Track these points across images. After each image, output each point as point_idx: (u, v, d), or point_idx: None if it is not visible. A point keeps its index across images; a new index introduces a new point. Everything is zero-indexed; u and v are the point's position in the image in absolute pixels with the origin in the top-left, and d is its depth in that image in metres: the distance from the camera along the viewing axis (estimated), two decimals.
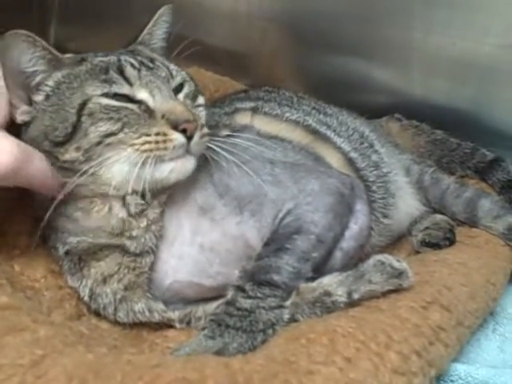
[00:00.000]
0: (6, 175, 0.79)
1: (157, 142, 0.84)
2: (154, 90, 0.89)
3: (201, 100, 0.99)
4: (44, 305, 0.88)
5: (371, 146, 1.23)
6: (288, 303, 0.85)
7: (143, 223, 0.90)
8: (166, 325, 0.94)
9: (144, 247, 0.90)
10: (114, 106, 0.86)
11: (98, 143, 0.84)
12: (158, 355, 0.86)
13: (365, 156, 1.18)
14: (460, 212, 1.23)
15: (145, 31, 1.05)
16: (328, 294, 0.84)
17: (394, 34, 1.51)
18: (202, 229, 0.91)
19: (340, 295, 0.84)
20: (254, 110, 1.16)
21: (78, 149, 0.85)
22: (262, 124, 1.13)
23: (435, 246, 1.17)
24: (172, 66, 0.97)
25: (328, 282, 0.86)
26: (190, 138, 0.86)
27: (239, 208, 0.92)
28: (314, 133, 1.16)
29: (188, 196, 0.92)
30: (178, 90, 0.95)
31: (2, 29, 0.86)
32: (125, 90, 0.88)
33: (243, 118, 1.14)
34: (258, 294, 0.84)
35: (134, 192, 0.87)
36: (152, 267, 0.91)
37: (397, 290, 0.87)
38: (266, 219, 0.93)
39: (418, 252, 1.20)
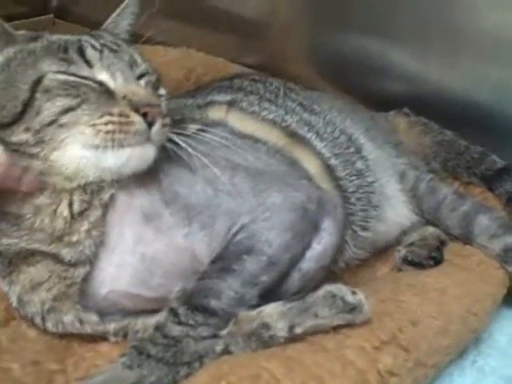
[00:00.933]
0: None
1: (120, 124, 0.79)
2: (115, 72, 0.85)
3: (162, 91, 0.93)
4: None
5: (358, 151, 1.12)
6: (223, 333, 0.77)
7: (84, 226, 0.83)
8: (101, 337, 0.87)
9: (81, 256, 0.83)
10: (73, 81, 0.81)
11: (51, 122, 0.78)
12: None
13: (348, 163, 1.08)
14: (455, 226, 1.13)
15: (109, 20, 0.99)
16: (267, 326, 0.76)
17: (413, 12, 1.40)
18: (146, 238, 0.84)
19: (280, 329, 0.76)
20: (230, 105, 1.07)
21: (27, 130, 0.79)
22: (237, 121, 1.04)
23: (418, 265, 1.07)
24: (136, 55, 0.91)
25: (269, 312, 0.77)
26: (151, 125, 0.81)
27: (188, 219, 0.84)
28: (293, 135, 1.06)
29: (132, 201, 0.84)
30: (140, 77, 0.89)
31: None
32: (84, 71, 0.83)
33: (217, 113, 1.05)
34: (190, 321, 0.76)
35: (83, 185, 0.82)
36: (86, 278, 0.84)
37: (351, 325, 0.79)
38: (218, 233, 0.84)
39: (399, 269, 1.11)
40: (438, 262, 1.07)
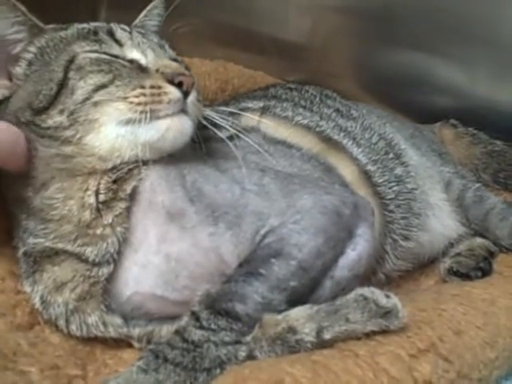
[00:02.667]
0: None
1: (152, 95, 0.79)
2: (146, 49, 0.87)
3: None
4: None
5: (398, 156, 1.07)
6: (248, 339, 0.72)
7: (109, 219, 0.81)
8: (125, 343, 0.84)
9: (105, 255, 0.80)
10: (104, 59, 0.82)
11: (85, 100, 0.79)
12: None
13: (386, 169, 1.03)
14: (504, 237, 1.07)
15: (136, 21, 1.00)
16: (293, 330, 0.70)
17: (458, 26, 1.36)
18: (170, 237, 0.81)
19: (307, 333, 0.70)
20: (263, 111, 1.04)
21: (61, 112, 0.80)
22: (270, 127, 1.01)
23: (464, 276, 1.01)
24: (164, 42, 0.94)
25: (295, 315, 0.71)
26: (186, 95, 0.82)
27: (213, 218, 0.81)
28: (327, 140, 1.03)
29: (155, 198, 0.82)
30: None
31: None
32: (115, 50, 0.85)
33: (250, 120, 1.02)
34: (212, 326, 0.72)
35: (112, 170, 0.81)
36: (110, 278, 0.81)
37: (385, 332, 0.73)
38: (245, 234, 0.80)
39: (445, 281, 1.04)
40: (486, 273, 1.01)
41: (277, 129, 1.01)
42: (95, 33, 0.86)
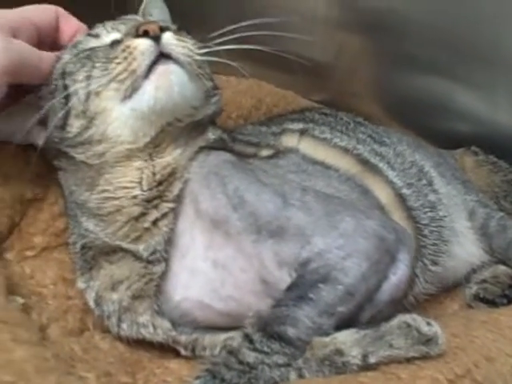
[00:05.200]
0: None
1: (125, 58, 0.80)
2: (119, 26, 0.88)
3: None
4: (44, 316, 0.84)
5: (430, 183, 1.11)
6: (299, 362, 0.75)
7: (153, 216, 0.85)
8: (171, 353, 0.88)
9: (154, 252, 0.85)
10: (83, 55, 0.85)
11: (88, 95, 0.82)
12: None
13: (420, 194, 1.07)
14: None
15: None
16: (340, 352, 0.74)
17: (480, 53, 1.37)
18: (215, 243, 0.84)
19: (353, 356, 0.73)
20: (302, 132, 1.07)
21: (77, 116, 0.83)
22: (309, 148, 1.04)
23: (490, 302, 1.04)
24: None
25: (343, 339, 0.75)
26: (157, 39, 0.79)
27: (256, 226, 0.83)
28: (364, 163, 1.06)
29: (199, 206, 0.85)
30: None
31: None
32: (91, 43, 0.88)
33: (290, 140, 1.05)
34: (265, 349, 0.75)
35: (147, 145, 0.84)
36: (162, 277, 0.85)
37: (424, 356, 0.77)
38: (287, 245, 0.83)
39: (470, 306, 1.08)
40: (510, 300, 1.04)
41: (316, 150, 1.04)
42: (75, 42, 0.90)
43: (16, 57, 0.81)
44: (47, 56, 0.89)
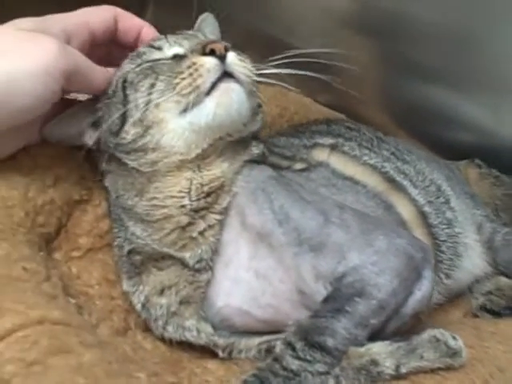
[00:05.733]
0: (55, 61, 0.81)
1: (191, 74, 0.84)
2: (182, 41, 0.92)
3: None
4: (93, 316, 0.88)
5: (447, 201, 1.18)
6: (337, 371, 0.81)
7: (201, 227, 0.90)
8: (207, 353, 0.93)
9: (201, 261, 0.90)
10: (146, 66, 0.89)
11: (147, 104, 0.86)
12: None
13: (439, 212, 1.13)
14: None
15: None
16: (375, 363, 0.81)
17: (485, 65, 1.41)
18: (259, 254, 0.90)
19: (387, 367, 0.81)
20: (333, 148, 1.13)
21: (134, 124, 0.87)
22: (339, 163, 1.10)
23: (496, 313, 1.12)
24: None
25: (377, 350, 0.82)
26: (222, 58, 0.84)
27: (299, 240, 0.89)
28: (391, 181, 1.12)
29: (246, 219, 0.90)
30: None
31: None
32: (155, 55, 0.92)
33: (320, 154, 1.11)
34: (308, 357, 0.81)
35: (197, 156, 0.89)
36: (208, 284, 0.91)
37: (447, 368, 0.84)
38: (325, 259, 0.88)
39: (475, 315, 1.16)
40: None
41: (345, 166, 1.10)
42: (138, 53, 0.94)
43: (72, 63, 0.84)
44: (100, 70, 0.92)
